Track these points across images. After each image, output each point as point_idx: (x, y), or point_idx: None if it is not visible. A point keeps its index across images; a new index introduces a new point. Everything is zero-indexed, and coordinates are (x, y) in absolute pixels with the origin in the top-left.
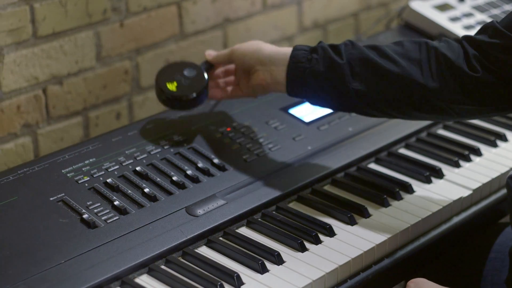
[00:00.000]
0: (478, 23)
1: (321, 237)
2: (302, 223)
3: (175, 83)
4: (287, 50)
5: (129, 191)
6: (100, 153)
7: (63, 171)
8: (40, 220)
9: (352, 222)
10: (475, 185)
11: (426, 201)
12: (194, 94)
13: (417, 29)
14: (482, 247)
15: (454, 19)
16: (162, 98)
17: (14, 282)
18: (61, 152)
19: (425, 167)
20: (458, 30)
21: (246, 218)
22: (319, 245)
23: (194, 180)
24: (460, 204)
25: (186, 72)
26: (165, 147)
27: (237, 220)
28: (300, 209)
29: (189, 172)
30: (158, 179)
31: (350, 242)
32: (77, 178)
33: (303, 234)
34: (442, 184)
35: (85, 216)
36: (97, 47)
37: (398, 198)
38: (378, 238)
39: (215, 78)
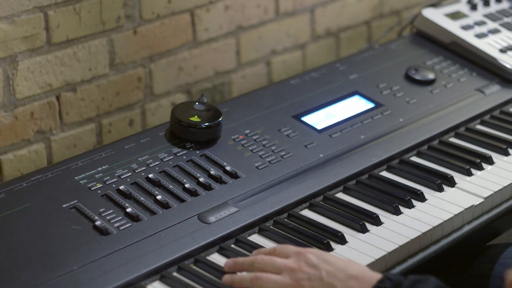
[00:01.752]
0: (490, 31)
1: (333, 244)
2: (314, 231)
3: (196, 117)
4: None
5: (142, 198)
6: (113, 160)
7: (76, 178)
8: (53, 227)
9: (363, 230)
10: (487, 193)
11: (437, 209)
12: (221, 119)
13: (429, 37)
14: (493, 256)
15: (466, 27)
16: (190, 131)
17: None
18: (74, 159)
19: (436, 175)
20: (470, 38)
21: (258, 225)
22: (331, 253)
23: (207, 187)
24: (472, 213)
25: (196, 107)
26: (178, 155)
27: (249, 228)
28: (312, 216)
29: (201, 179)
30: (171, 186)
31: (362, 249)
32: (90, 185)
33: (315, 242)
34: (453, 192)
35: (97, 223)
36: (110, 54)
37: (410, 206)
38: (390, 246)
39: None
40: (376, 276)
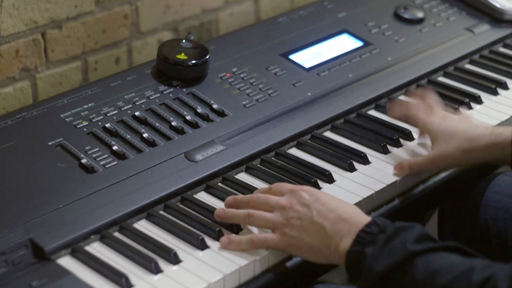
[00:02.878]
0: None
1: (320, 183)
2: (302, 169)
3: (183, 54)
4: (503, 136)
5: (128, 136)
6: (99, 97)
7: (61, 115)
8: (38, 165)
9: (351, 169)
10: None
11: (426, 148)
12: (208, 57)
13: None
14: (485, 186)
15: None
16: (177, 69)
17: (12, 226)
18: (60, 96)
19: None
20: None
21: (245, 164)
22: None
23: (193, 125)
24: None
25: (183, 45)
26: (164, 92)
27: (236, 166)
28: (299, 155)
29: (188, 117)
30: (157, 124)
31: (349, 188)
32: (75, 122)
33: (302, 181)
34: None
35: (83, 161)
36: None
37: (398, 145)
38: (377, 185)
39: None
40: (365, 219)
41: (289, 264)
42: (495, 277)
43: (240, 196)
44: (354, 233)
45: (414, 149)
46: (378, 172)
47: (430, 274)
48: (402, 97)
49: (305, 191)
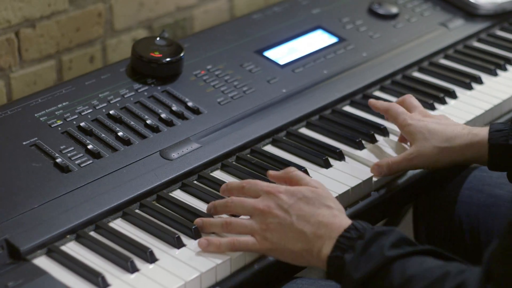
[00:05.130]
0: None
1: None
2: (277, 166)
3: (157, 52)
4: (480, 136)
5: (103, 135)
6: (73, 96)
7: (36, 115)
8: (12, 165)
9: (327, 165)
10: None
11: (401, 144)
12: (182, 54)
13: None
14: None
15: None
16: (151, 67)
17: None
18: (34, 95)
19: None
20: None
21: (221, 161)
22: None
23: (168, 123)
24: None
25: (157, 43)
26: (139, 91)
27: (211, 164)
28: (274, 152)
29: (163, 115)
30: (132, 122)
31: (325, 185)
32: (50, 122)
33: None
34: None
35: (58, 160)
36: None
37: (373, 141)
38: (353, 181)
39: None
40: (346, 223)
41: (265, 261)
42: (466, 282)
43: (217, 201)
44: (335, 238)
45: (390, 144)
46: (353, 168)
47: (405, 281)
48: (377, 93)
49: (283, 193)
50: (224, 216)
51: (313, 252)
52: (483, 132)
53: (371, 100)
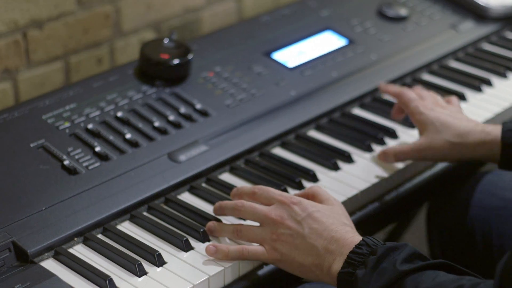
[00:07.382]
0: None
1: (305, 183)
2: (286, 169)
3: (165, 54)
4: (493, 134)
5: (111, 137)
6: (81, 98)
7: (43, 117)
8: (20, 167)
9: (336, 168)
10: None
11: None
12: (191, 56)
13: None
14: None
15: None
16: (160, 69)
17: None
18: (42, 97)
19: None
20: None
21: (229, 164)
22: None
23: (176, 125)
24: None
25: (166, 45)
26: (147, 93)
27: (220, 166)
28: (283, 155)
29: (171, 117)
30: (140, 125)
31: (334, 188)
32: (57, 124)
33: (287, 180)
34: None
35: (66, 162)
36: None
37: (382, 144)
38: (362, 184)
39: None
40: (357, 239)
41: (274, 266)
42: None
43: (225, 202)
44: (345, 255)
45: None
46: (362, 171)
47: None
48: (386, 96)
49: (297, 204)
50: (233, 220)
51: (323, 267)
52: (496, 130)
53: (382, 83)
